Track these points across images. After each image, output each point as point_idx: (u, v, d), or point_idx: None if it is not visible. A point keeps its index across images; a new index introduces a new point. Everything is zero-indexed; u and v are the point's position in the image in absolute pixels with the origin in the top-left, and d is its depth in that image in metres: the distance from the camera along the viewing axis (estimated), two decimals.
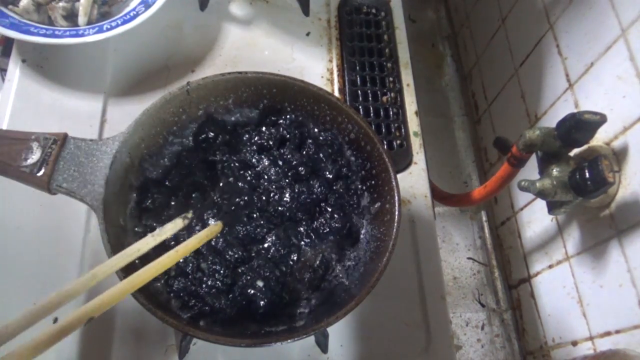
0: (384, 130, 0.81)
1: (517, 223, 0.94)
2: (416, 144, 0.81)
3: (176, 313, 0.53)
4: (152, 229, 0.58)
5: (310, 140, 0.64)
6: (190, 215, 0.57)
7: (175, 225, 0.54)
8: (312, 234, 0.60)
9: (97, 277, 0.44)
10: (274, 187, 0.62)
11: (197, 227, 0.58)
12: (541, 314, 0.86)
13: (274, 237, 0.59)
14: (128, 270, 0.52)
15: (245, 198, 0.61)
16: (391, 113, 0.82)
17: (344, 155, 0.64)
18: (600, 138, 0.68)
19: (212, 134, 0.64)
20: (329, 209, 0.61)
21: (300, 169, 0.63)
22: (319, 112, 0.64)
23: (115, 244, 0.51)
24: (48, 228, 0.68)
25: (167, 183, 0.61)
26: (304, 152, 0.64)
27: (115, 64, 0.80)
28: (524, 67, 0.91)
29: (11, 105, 0.74)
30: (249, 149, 0.64)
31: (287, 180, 0.62)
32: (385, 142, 0.79)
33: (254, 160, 0.64)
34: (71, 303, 0.63)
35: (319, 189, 0.62)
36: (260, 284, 0.56)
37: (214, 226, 0.56)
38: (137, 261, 0.56)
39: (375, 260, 0.55)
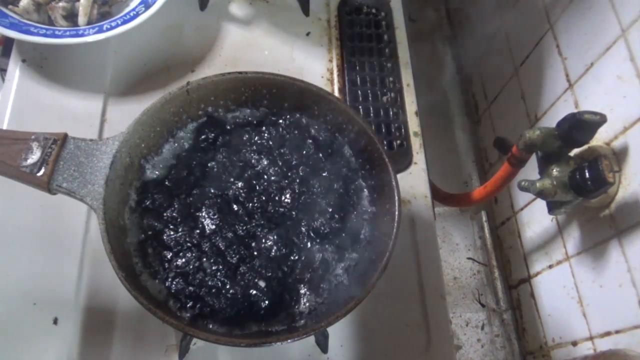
0: (384, 130, 0.81)
1: (517, 223, 0.94)
2: (416, 144, 0.81)
3: (176, 313, 0.53)
4: (153, 229, 0.58)
5: (310, 140, 0.64)
6: None
7: None
8: (312, 234, 0.60)
9: None
10: (274, 187, 0.62)
11: (198, 228, 0.59)
12: (541, 314, 0.86)
13: (275, 237, 0.59)
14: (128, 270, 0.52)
15: (246, 198, 0.61)
16: (391, 113, 0.82)
17: (343, 155, 0.64)
18: (600, 138, 0.68)
19: (212, 134, 0.64)
20: (329, 209, 0.61)
21: (300, 168, 0.63)
22: (319, 112, 0.64)
23: (115, 244, 0.51)
24: (48, 228, 0.68)
25: (167, 183, 0.61)
26: (304, 152, 0.64)
27: (115, 64, 0.80)
28: (524, 67, 0.91)
29: (11, 105, 0.74)
30: (249, 149, 0.64)
31: (287, 181, 0.62)
32: (385, 142, 0.79)
33: (253, 160, 0.64)
34: (71, 303, 0.63)
35: (319, 189, 0.62)
36: (262, 284, 0.56)
37: None
38: (136, 261, 0.56)
39: (375, 260, 0.55)
